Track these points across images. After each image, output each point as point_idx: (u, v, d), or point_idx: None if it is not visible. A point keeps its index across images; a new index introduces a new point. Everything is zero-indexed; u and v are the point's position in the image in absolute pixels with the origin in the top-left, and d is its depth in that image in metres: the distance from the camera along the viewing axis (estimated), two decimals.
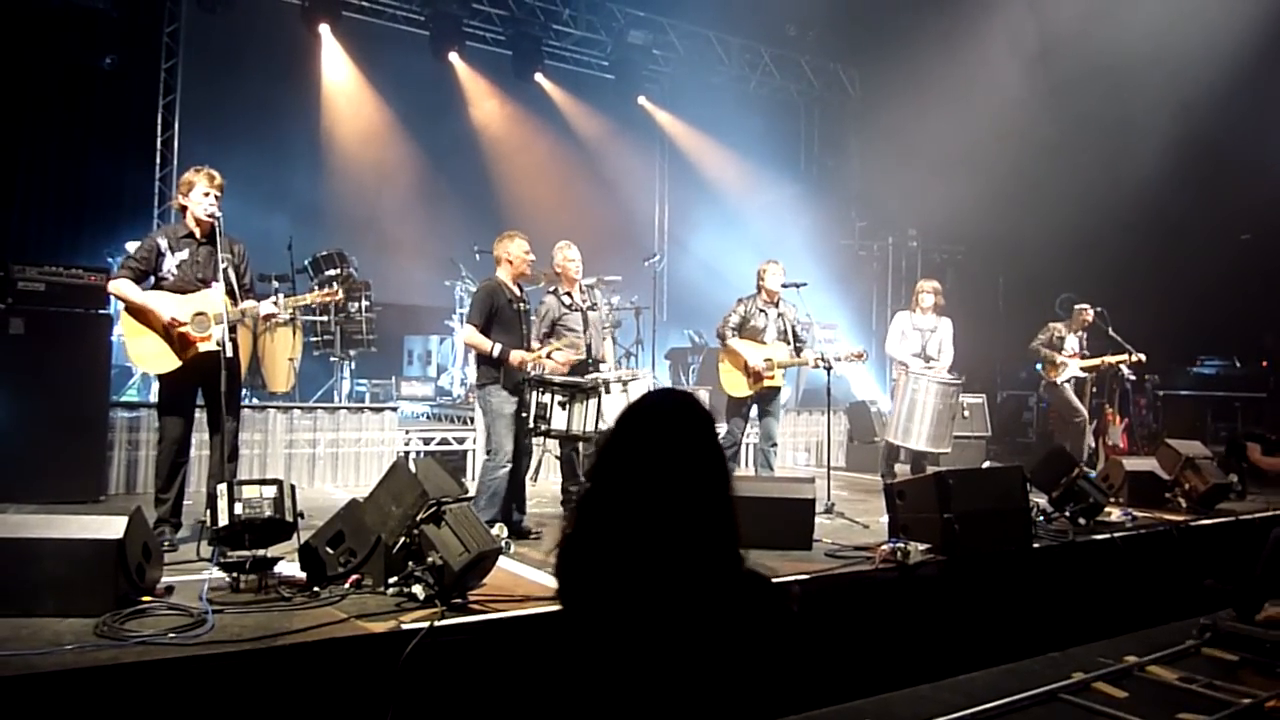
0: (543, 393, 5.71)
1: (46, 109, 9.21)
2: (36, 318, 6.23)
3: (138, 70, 10.03)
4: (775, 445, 7.21)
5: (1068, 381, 8.98)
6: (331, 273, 8.73)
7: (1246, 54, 9.49)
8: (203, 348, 4.95)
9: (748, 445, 8.09)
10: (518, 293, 6.03)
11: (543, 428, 5.71)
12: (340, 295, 5.63)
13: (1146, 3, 9.57)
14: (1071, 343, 9.15)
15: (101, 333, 6.45)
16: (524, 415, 5.73)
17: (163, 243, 5.10)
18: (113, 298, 5.35)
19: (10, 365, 6.13)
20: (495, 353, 5.75)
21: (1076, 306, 9.25)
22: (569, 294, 6.63)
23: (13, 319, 6.16)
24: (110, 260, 7.87)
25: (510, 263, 5.97)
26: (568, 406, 5.71)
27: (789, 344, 7.19)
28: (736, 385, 7.09)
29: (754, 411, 7.22)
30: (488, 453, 5.81)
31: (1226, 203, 10.33)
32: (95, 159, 9.49)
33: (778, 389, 7.18)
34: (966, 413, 9.46)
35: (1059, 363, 9.02)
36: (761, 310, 7.18)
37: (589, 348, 6.53)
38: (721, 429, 7.03)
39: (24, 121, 9.02)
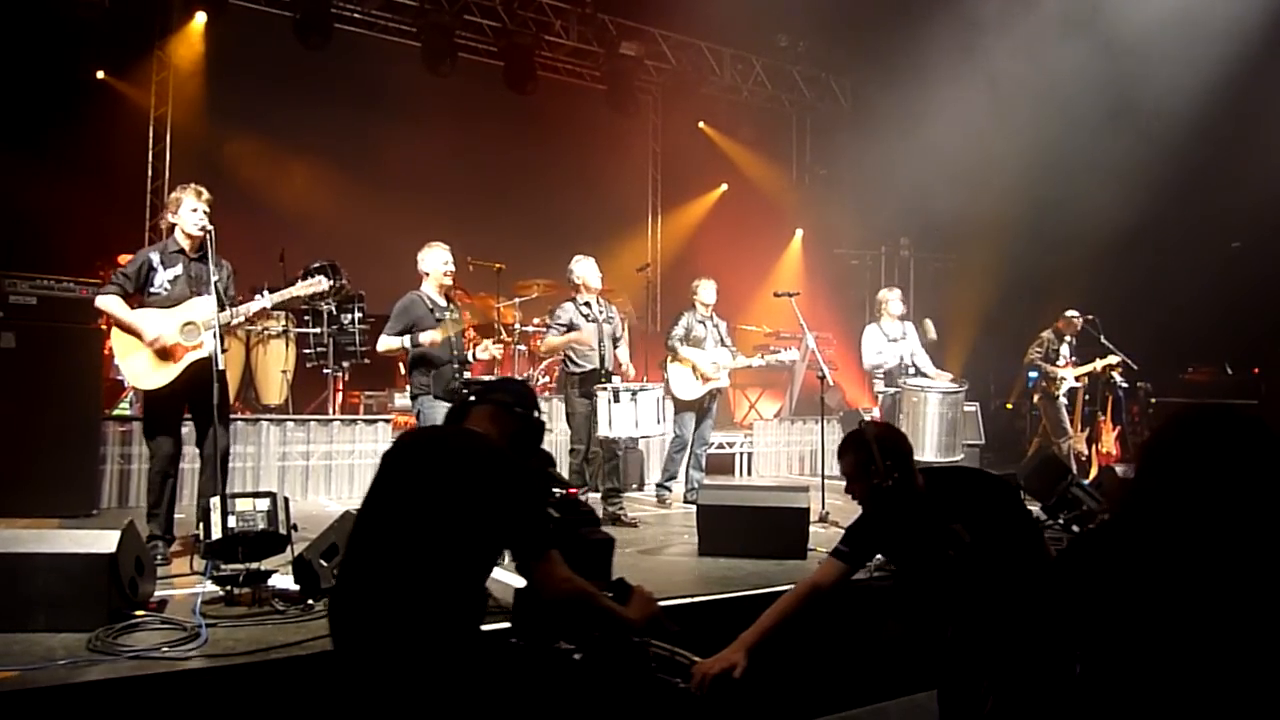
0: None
1: (37, 120, 9.19)
2: (28, 331, 6.21)
3: (129, 83, 10.05)
4: (708, 445, 7.97)
5: (1065, 395, 9.01)
6: (325, 282, 8.69)
7: (1233, 60, 9.54)
8: (194, 356, 4.94)
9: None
10: (441, 303, 6.18)
11: None
12: (325, 285, 5.63)
13: (1138, 14, 9.63)
14: (1064, 350, 9.22)
15: (94, 346, 6.43)
16: None
17: (154, 257, 5.11)
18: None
19: (2, 379, 6.11)
20: (406, 342, 5.93)
21: (1066, 313, 9.32)
22: (587, 304, 6.81)
23: (4, 333, 6.15)
24: (101, 274, 7.85)
25: (428, 274, 6.18)
26: None
27: (727, 349, 7.87)
28: (687, 389, 7.64)
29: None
30: None
31: (1216, 211, 10.39)
32: (86, 171, 9.46)
33: (720, 390, 7.87)
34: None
35: (1058, 378, 9.09)
36: (700, 322, 7.79)
37: (602, 359, 6.70)
38: (671, 432, 7.60)
39: (14, 133, 9.00)
